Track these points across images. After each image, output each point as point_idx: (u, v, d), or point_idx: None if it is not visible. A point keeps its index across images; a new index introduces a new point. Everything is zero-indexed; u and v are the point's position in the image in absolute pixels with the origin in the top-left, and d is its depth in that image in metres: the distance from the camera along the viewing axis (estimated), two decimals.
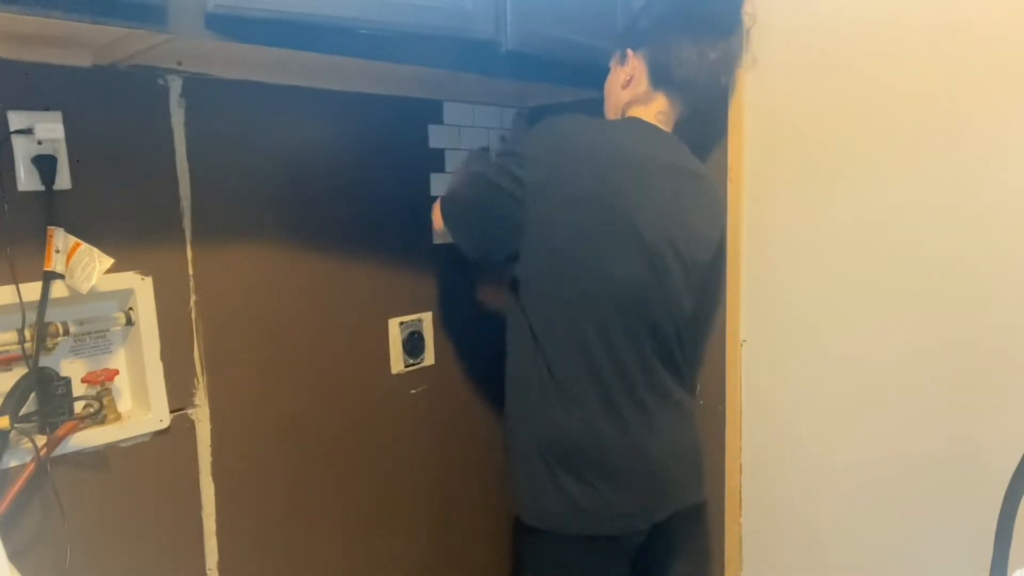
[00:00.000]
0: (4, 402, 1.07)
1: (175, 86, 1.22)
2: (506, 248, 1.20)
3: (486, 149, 1.74)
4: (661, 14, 1.22)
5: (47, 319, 1.07)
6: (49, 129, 1.06)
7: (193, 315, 1.27)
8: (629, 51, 1.24)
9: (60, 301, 1.09)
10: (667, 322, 1.21)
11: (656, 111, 1.24)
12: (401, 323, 1.61)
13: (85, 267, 1.08)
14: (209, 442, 1.31)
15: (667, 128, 1.26)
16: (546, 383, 1.18)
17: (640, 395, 1.19)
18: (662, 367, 1.23)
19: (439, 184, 1.66)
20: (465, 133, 1.70)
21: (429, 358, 1.67)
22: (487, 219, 1.22)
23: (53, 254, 1.07)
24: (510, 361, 1.27)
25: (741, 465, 1.52)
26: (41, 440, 1.08)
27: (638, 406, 1.19)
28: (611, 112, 1.32)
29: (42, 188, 1.06)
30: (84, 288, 1.08)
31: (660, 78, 1.22)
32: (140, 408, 1.23)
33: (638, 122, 1.23)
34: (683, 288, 1.22)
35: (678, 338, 1.25)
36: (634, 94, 1.25)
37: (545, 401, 1.19)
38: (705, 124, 1.41)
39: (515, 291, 1.22)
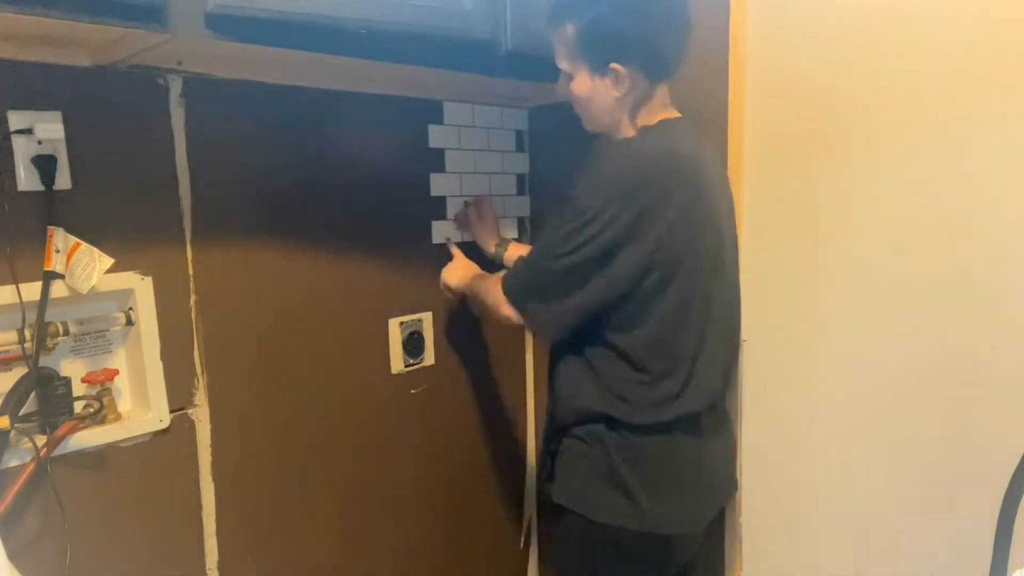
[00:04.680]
0: (4, 402, 1.06)
1: (175, 86, 1.22)
2: (586, 316, 1.18)
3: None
4: (640, 28, 1.15)
5: (47, 319, 1.07)
6: (49, 129, 1.06)
7: (193, 315, 1.27)
8: (618, 67, 1.15)
9: (60, 301, 1.09)
10: (726, 325, 1.27)
11: (661, 102, 1.23)
12: (401, 323, 1.61)
13: (85, 267, 1.08)
14: (209, 442, 1.31)
15: (676, 110, 1.25)
16: (619, 387, 1.18)
17: (706, 399, 1.23)
18: (719, 369, 1.27)
19: (439, 184, 1.66)
20: (465, 133, 1.70)
21: (429, 358, 1.67)
22: (570, 297, 1.15)
23: (53, 254, 1.07)
24: (573, 361, 1.24)
25: (741, 465, 1.52)
26: (41, 440, 1.08)
27: (705, 410, 1.23)
28: (605, 120, 1.24)
29: (42, 188, 1.06)
30: (84, 288, 1.08)
31: (658, 76, 1.20)
32: (140, 408, 1.23)
33: (671, 124, 1.21)
34: (736, 288, 1.29)
35: (731, 337, 1.31)
36: (634, 99, 1.20)
37: (616, 406, 1.18)
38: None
39: None
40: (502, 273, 1.29)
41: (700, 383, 1.20)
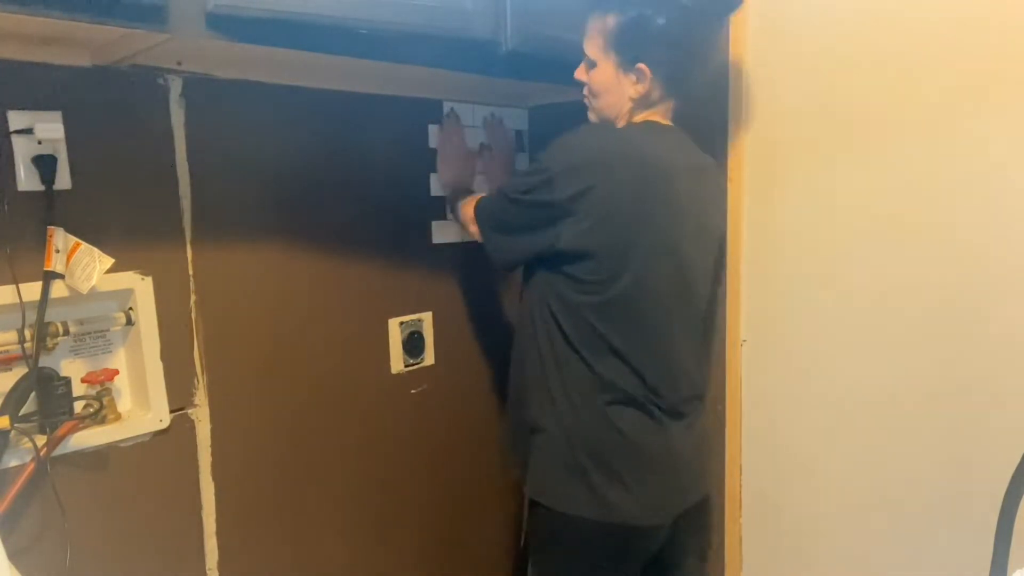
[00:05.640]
0: (4, 402, 1.06)
1: (175, 86, 1.22)
2: (531, 258, 1.24)
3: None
4: (678, 37, 1.18)
5: (47, 319, 1.07)
6: (49, 129, 1.06)
7: (193, 315, 1.27)
8: (644, 67, 1.19)
9: (60, 301, 1.09)
10: (693, 322, 1.26)
11: (663, 112, 1.25)
12: (401, 323, 1.61)
13: (85, 267, 1.08)
14: (209, 442, 1.31)
15: (671, 122, 1.27)
16: (581, 385, 1.20)
17: (672, 396, 1.22)
18: (690, 366, 1.26)
19: (439, 184, 1.66)
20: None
21: (429, 358, 1.67)
22: (518, 236, 1.23)
23: (53, 254, 1.07)
24: (537, 360, 1.25)
25: (741, 465, 1.52)
26: (41, 440, 1.08)
27: (670, 407, 1.22)
28: (609, 114, 1.26)
29: (42, 188, 1.06)
30: (84, 288, 1.08)
31: (675, 89, 1.23)
32: (140, 408, 1.23)
33: (656, 126, 1.23)
34: (704, 289, 1.28)
35: (700, 336, 1.29)
36: (643, 102, 1.23)
37: (578, 402, 1.20)
38: (704, 118, 1.41)
39: (543, 294, 1.23)
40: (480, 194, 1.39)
41: (651, 380, 1.20)
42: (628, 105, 1.24)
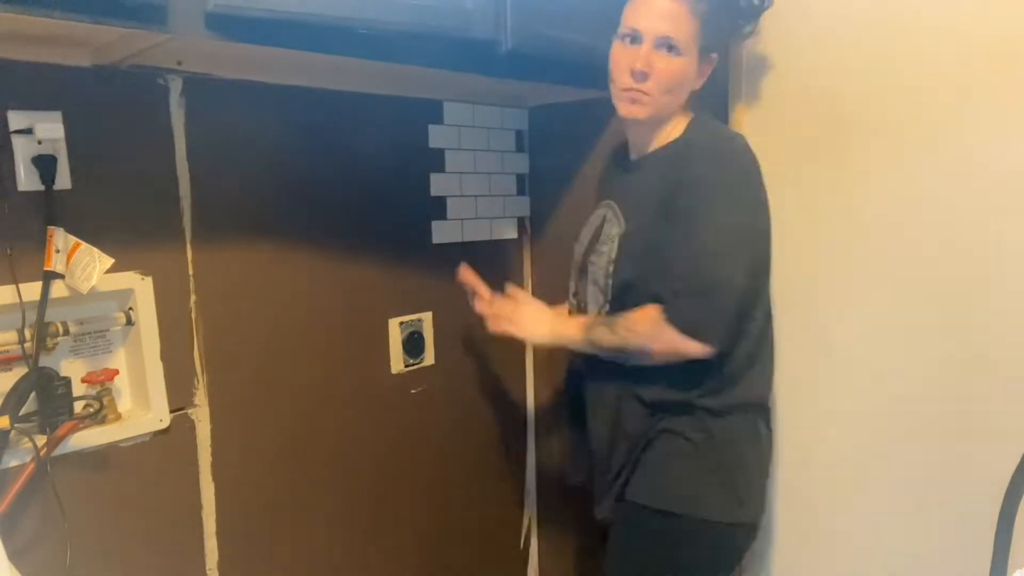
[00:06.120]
0: (4, 402, 1.06)
1: (175, 86, 1.22)
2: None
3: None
4: (739, 25, 1.20)
5: (47, 319, 1.07)
6: (49, 129, 1.06)
7: (193, 315, 1.27)
8: (715, 56, 1.17)
9: (60, 301, 1.09)
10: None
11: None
12: (401, 323, 1.61)
13: (85, 267, 1.08)
14: (209, 442, 1.31)
15: None
16: (723, 388, 1.18)
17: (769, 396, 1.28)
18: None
19: (439, 184, 1.66)
20: (465, 133, 1.70)
21: (429, 358, 1.67)
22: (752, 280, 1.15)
23: (53, 254, 1.07)
24: (668, 369, 1.16)
25: None
26: (41, 440, 1.08)
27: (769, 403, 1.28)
28: (665, 112, 1.17)
29: (42, 188, 1.06)
30: (84, 288, 1.08)
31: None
32: (140, 408, 1.23)
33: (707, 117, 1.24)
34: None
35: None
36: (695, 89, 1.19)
37: (716, 406, 1.18)
38: None
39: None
40: (641, 312, 1.13)
41: (767, 370, 1.24)
42: (686, 100, 1.17)
